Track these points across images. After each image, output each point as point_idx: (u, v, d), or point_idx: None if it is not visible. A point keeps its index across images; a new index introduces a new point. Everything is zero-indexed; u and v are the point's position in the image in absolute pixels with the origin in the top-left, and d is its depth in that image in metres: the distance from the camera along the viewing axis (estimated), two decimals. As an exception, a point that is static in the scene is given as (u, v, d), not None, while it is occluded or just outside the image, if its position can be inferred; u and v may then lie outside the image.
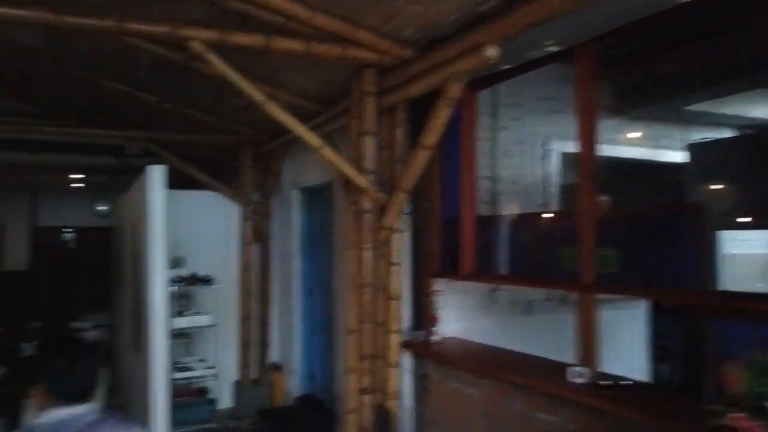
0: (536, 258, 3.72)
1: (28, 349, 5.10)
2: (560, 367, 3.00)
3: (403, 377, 3.99)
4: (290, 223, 6.37)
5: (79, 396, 1.70)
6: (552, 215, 4.20)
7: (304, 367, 6.11)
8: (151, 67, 4.75)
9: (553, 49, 3.13)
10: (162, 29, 3.10)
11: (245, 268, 6.50)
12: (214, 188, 6.58)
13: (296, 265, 6.26)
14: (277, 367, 6.33)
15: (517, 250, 3.82)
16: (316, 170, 5.73)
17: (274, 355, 6.48)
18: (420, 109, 3.87)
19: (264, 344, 6.46)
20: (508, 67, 3.55)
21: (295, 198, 6.33)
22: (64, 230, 11.22)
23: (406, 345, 3.95)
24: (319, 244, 5.95)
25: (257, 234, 6.56)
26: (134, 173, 7.22)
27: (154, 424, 4.24)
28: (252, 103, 5.24)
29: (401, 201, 3.79)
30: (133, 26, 3.03)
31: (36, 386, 1.70)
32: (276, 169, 6.48)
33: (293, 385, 6.13)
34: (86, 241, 11.25)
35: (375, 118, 3.92)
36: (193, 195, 6.34)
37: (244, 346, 6.39)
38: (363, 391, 3.80)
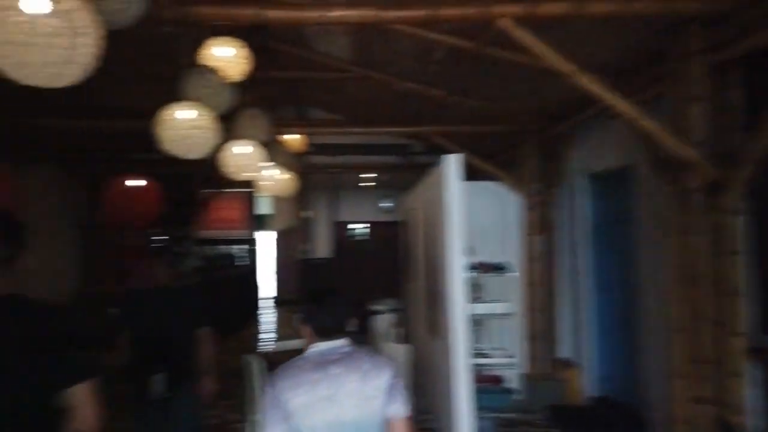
0: None
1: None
2: None
3: (747, 389, 3.25)
4: (578, 212, 5.90)
5: (335, 333, 2.03)
6: None
7: (600, 366, 5.58)
8: (443, 62, 4.83)
9: None
10: (472, 11, 3.02)
11: (529, 259, 6.24)
12: (496, 178, 6.48)
13: (586, 256, 5.77)
14: (567, 364, 5.93)
15: None
16: (608, 153, 5.18)
17: (563, 350, 6.09)
18: (758, 64, 3.10)
19: (550, 338, 6.12)
20: None
21: (583, 185, 5.84)
22: (357, 224, 12.61)
23: (753, 351, 3.20)
24: (614, 233, 5.36)
25: (541, 224, 6.25)
26: (417, 169, 7.63)
27: (457, 406, 4.26)
28: (537, 87, 4.99)
29: (745, 176, 3.08)
30: (445, 12, 3.01)
31: (305, 326, 2.05)
32: (560, 155, 6.08)
33: (587, 384, 5.66)
34: (376, 233, 12.46)
35: (703, 80, 3.27)
36: (475, 185, 6.32)
37: (531, 338, 6.14)
38: (698, 401, 3.20)
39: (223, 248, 12.43)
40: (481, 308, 5.30)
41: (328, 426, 1.87)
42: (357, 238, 12.58)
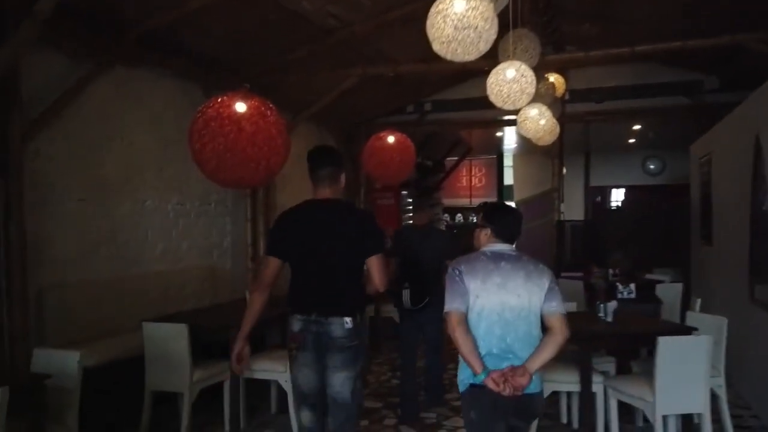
0: None
1: (625, 291, 4.57)
2: None
3: None
4: None
5: (509, 237, 2.36)
6: None
7: None
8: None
9: None
10: None
11: None
12: None
13: None
14: None
15: None
16: None
17: None
18: None
19: None
20: None
21: None
22: (612, 188, 11.02)
23: None
24: None
25: None
26: (711, 111, 5.91)
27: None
28: None
29: None
30: None
31: (485, 230, 2.38)
32: None
33: None
34: (633, 199, 10.72)
35: None
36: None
37: None
38: None
39: (469, 217, 11.98)
40: None
41: (495, 306, 2.20)
42: (611, 203, 10.98)
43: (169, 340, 3.46)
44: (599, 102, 6.94)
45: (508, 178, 12.54)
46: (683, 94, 6.65)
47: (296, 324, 2.53)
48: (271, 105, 3.74)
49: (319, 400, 2.56)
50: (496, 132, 9.08)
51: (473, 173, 12.31)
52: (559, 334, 2.20)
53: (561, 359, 3.69)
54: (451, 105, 7.60)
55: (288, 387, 3.52)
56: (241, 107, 3.62)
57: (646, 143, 9.88)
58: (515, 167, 12.36)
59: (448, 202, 12.10)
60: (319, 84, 5.65)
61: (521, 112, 4.94)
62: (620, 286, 4.67)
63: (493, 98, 3.78)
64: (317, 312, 2.49)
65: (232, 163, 3.54)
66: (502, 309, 2.18)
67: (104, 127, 4.36)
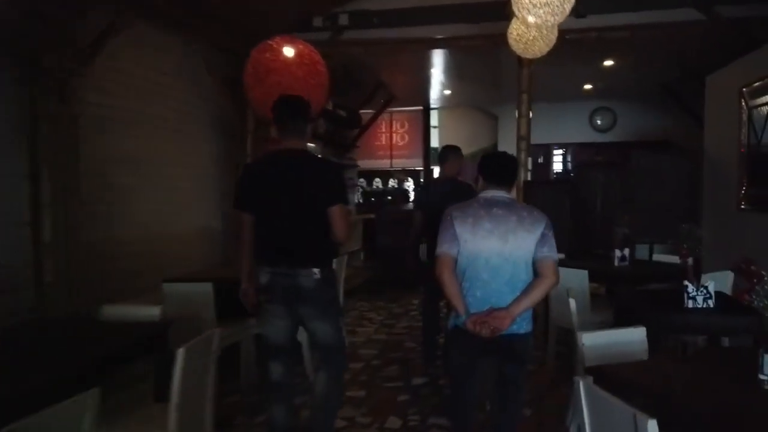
0: None
1: (699, 296, 2.56)
2: None
3: None
4: None
5: (500, 182, 2.32)
6: None
7: None
8: None
9: None
10: None
11: None
12: None
13: None
14: None
15: None
16: None
17: None
18: None
19: None
20: None
21: None
22: (555, 148, 9.22)
23: None
24: None
25: None
26: (725, 29, 4.06)
27: None
28: None
29: None
30: None
31: (480, 177, 2.39)
32: None
33: None
34: (584, 158, 9.03)
35: None
36: None
37: None
38: None
39: (392, 183, 9.80)
40: None
41: (483, 251, 2.19)
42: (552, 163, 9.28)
43: None
44: (582, 16, 4.89)
45: (435, 140, 10.49)
46: (694, 6, 4.76)
47: (264, 276, 2.48)
48: None
49: (290, 354, 2.57)
50: (428, 68, 6.84)
51: (394, 129, 10.08)
52: (548, 278, 2.19)
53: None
54: (377, 18, 5.25)
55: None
56: None
57: (597, 92, 8.15)
58: (441, 124, 10.31)
59: (364, 164, 9.81)
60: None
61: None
62: (690, 288, 2.67)
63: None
64: (285, 264, 2.43)
65: None
66: (490, 254, 2.19)
67: None
